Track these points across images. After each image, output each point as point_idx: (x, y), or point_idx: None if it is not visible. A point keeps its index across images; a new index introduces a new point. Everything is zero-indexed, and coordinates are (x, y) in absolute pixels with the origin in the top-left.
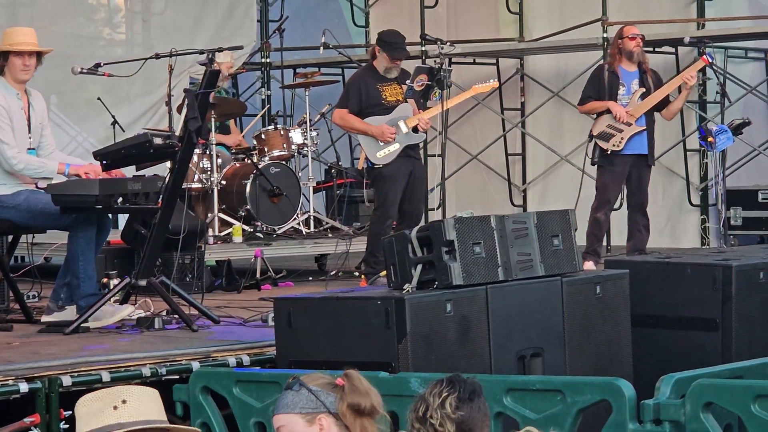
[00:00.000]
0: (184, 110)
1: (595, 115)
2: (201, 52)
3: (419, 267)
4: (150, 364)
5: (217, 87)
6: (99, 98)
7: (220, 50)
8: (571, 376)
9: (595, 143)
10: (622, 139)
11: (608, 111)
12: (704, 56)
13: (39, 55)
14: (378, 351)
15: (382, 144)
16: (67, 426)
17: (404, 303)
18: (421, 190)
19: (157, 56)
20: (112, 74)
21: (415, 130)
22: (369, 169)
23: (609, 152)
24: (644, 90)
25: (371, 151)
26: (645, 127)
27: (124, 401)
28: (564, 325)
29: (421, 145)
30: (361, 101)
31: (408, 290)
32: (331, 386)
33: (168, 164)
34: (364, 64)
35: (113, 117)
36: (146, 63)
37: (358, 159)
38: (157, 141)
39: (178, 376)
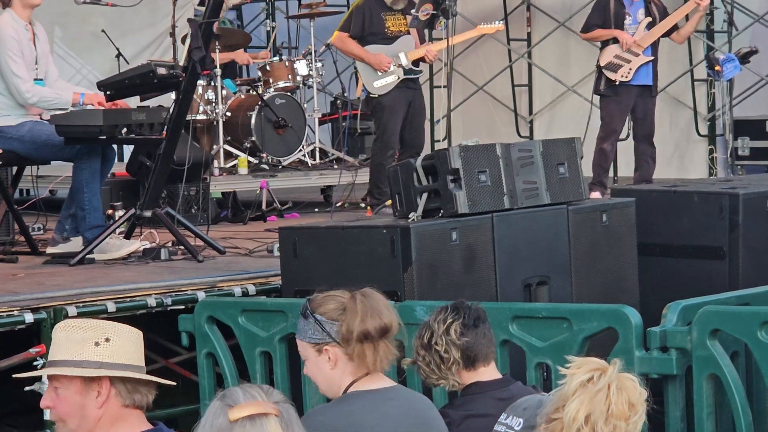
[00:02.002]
0: (188, 41)
1: (600, 45)
2: None
3: (424, 196)
4: (155, 294)
5: (221, 17)
6: (103, 30)
7: None
8: (579, 304)
9: (602, 73)
10: (630, 69)
11: (614, 41)
12: None
13: None
14: (383, 279)
15: (380, 73)
16: None
17: (409, 231)
18: (421, 119)
19: None
20: (115, 4)
21: (415, 63)
22: (367, 99)
23: (617, 83)
24: (650, 19)
25: (368, 80)
26: (653, 57)
27: (107, 339)
28: (570, 253)
29: (424, 78)
30: (364, 28)
31: (413, 219)
32: (341, 310)
33: (172, 95)
34: None
35: (117, 49)
36: None
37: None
38: (161, 71)
39: (183, 306)
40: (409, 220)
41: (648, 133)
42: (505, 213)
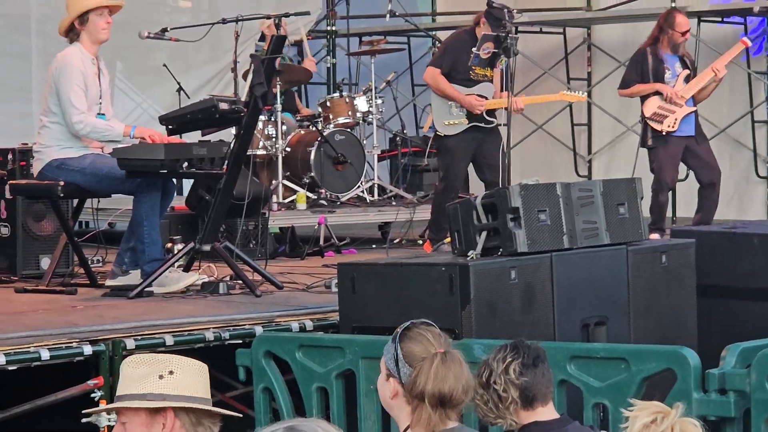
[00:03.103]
0: (250, 76)
1: (639, 99)
2: (268, 17)
3: (484, 234)
4: (213, 328)
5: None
6: (165, 65)
7: (287, 15)
8: (637, 345)
9: (647, 125)
10: (676, 119)
11: (654, 93)
12: (743, 38)
13: None
14: (441, 317)
15: (452, 113)
16: None
17: (468, 269)
18: (496, 158)
19: (224, 21)
20: (178, 39)
21: (489, 113)
22: (435, 137)
23: (663, 133)
24: (688, 72)
25: (439, 118)
26: (695, 108)
27: (171, 372)
28: (629, 293)
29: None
30: (451, 65)
31: (472, 257)
32: (420, 359)
33: (233, 130)
34: (464, 28)
35: (178, 83)
36: (212, 30)
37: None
38: (223, 106)
39: (241, 341)
40: (468, 258)
41: (712, 179)
42: (565, 252)
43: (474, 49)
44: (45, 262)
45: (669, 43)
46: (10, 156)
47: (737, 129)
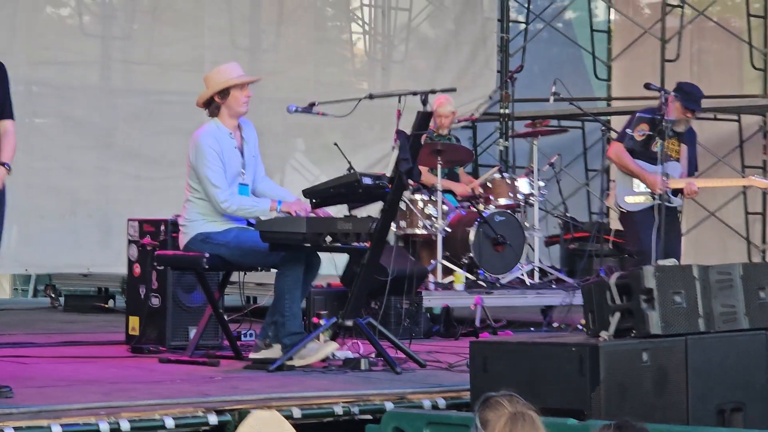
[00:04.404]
0: (396, 151)
1: None
2: (414, 94)
3: (617, 315)
4: (343, 402)
5: (447, 134)
6: (335, 143)
7: (434, 92)
8: None
9: None
10: None
11: None
12: None
13: None
14: (571, 398)
15: (636, 190)
16: None
17: (598, 350)
18: (674, 235)
19: (371, 97)
20: (325, 114)
21: (674, 192)
22: (621, 213)
23: None
24: None
25: (622, 192)
26: None
27: None
28: None
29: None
30: (639, 143)
31: (604, 338)
32: (493, 427)
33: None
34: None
35: (348, 162)
36: (383, 110)
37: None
38: (367, 181)
39: (371, 416)
40: (600, 339)
41: None
42: (700, 336)
43: (628, 130)
44: (193, 334)
45: None
46: (162, 227)
47: None
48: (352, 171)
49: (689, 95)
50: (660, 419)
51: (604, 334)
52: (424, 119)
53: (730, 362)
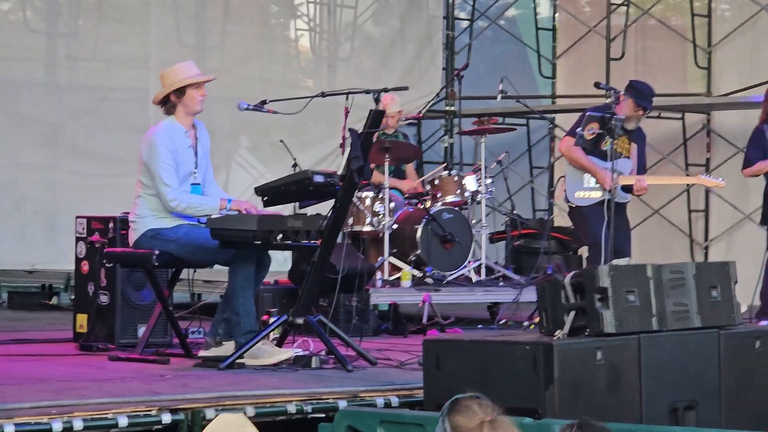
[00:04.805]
0: (347, 150)
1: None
2: (367, 92)
3: (571, 313)
4: (296, 401)
5: (393, 131)
6: (281, 141)
7: (386, 90)
8: (727, 430)
9: None
10: None
11: None
12: None
13: None
14: (525, 396)
15: (586, 186)
16: None
17: (552, 349)
18: (624, 238)
19: (324, 95)
20: (276, 112)
21: (624, 189)
22: (571, 208)
23: None
24: None
25: (572, 188)
26: None
27: None
28: (720, 378)
29: None
30: (589, 141)
31: (558, 336)
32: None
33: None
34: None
35: (294, 159)
36: (330, 108)
37: (546, 208)
38: (318, 179)
39: (324, 415)
40: (554, 338)
41: None
42: (653, 334)
43: (579, 129)
44: (142, 332)
45: None
46: (111, 224)
47: None
48: (297, 168)
49: (641, 93)
50: (613, 418)
51: (558, 333)
52: (376, 118)
53: (682, 361)
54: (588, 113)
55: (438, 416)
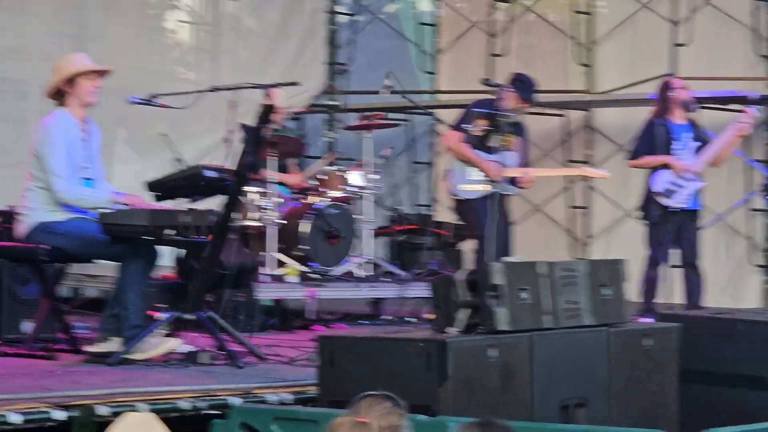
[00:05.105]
0: (235, 144)
1: (649, 171)
2: (258, 87)
3: (465, 311)
4: (189, 397)
5: (278, 125)
6: (165, 134)
7: (276, 85)
8: (616, 427)
9: (653, 200)
10: (689, 195)
11: (664, 166)
12: (747, 108)
13: None
14: (418, 393)
15: (472, 179)
16: None
17: (446, 346)
18: (508, 226)
19: (215, 89)
20: (167, 106)
21: (510, 181)
22: (458, 201)
23: (669, 210)
24: (700, 144)
25: (459, 181)
26: (705, 183)
27: None
28: (610, 375)
29: None
30: (475, 137)
31: (452, 334)
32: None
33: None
34: (482, 97)
35: (177, 153)
36: (213, 101)
37: (428, 203)
38: (209, 174)
39: (217, 411)
40: (447, 335)
41: (692, 260)
42: (545, 332)
43: (465, 125)
44: (27, 327)
45: (676, 112)
46: None
47: (734, 217)
48: (182, 162)
49: (525, 86)
50: (505, 415)
51: (451, 330)
52: (266, 112)
53: (573, 358)
54: (474, 109)
55: (330, 413)
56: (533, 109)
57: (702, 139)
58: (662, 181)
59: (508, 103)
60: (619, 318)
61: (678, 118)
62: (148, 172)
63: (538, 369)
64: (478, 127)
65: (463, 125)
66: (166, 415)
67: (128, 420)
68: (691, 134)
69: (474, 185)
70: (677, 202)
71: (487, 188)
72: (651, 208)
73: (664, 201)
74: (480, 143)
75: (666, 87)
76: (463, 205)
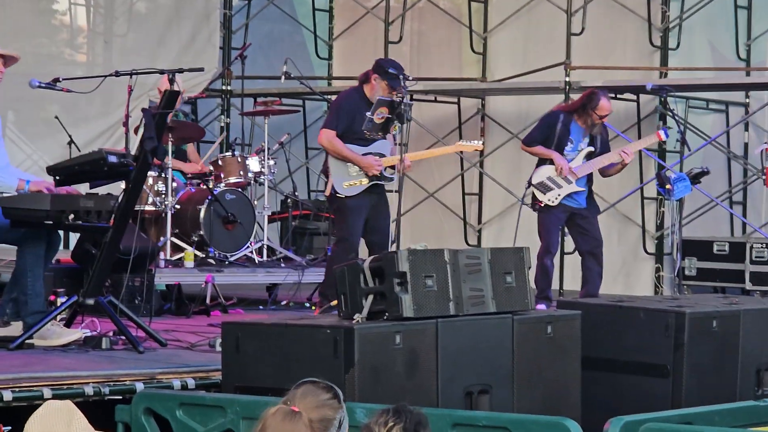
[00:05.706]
0: (141, 131)
1: (537, 160)
2: (162, 72)
3: (370, 297)
4: (93, 383)
5: (175, 112)
6: (56, 117)
7: (181, 71)
8: (520, 414)
9: (532, 192)
10: (559, 195)
11: (551, 161)
12: (659, 132)
13: None
14: (325, 379)
15: (352, 174)
16: None
17: (353, 333)
18: (387, 221)
19: (117, 74)
20: (70, 90)
21: (387, 169)
22: (332, 198)
23: (542, 204)
24: (592, 150)
25: (338, 180)
26: (583, 189)
27: None
28: (513, 363)
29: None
30: (346, 127)
31: (358, 320)
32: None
33: (122, 184)
34: (351, 86)
35: (69, 136)
36: (105, 84)
37: (323, 188)
38: (112, 159)
39: (121, 397)
40: (354, 322)
41: (590, 249)
42: (450, 319)
43: (368, 114)
44: None
45: (584, 121)
46: None
47: (626, 204)
48: (74, 146)
49: (392, 75)
50: (411, 401)
51: (357, 317)
52: (170, 98)
53: (478, 345)
54: (379, 98)
55: (236, 399)
56: (428, 97)
57: (596, 148)
58: (541, 175)
59: (376, 91)
60: (522, 306)
61: (582, 124)
62: (37, 154)
63: (443, 356)
64: (380, 114)
65: (339, 119)
66: (69, 400)
67: (49, 409)
68: (587, 140)
69: (354, 180)
70: (548, 199)
71: (366, 182)
72: (530, 199)
73: (537, 194)
74: (353, 134)
75: (592, 101)
76: (338, 203)
